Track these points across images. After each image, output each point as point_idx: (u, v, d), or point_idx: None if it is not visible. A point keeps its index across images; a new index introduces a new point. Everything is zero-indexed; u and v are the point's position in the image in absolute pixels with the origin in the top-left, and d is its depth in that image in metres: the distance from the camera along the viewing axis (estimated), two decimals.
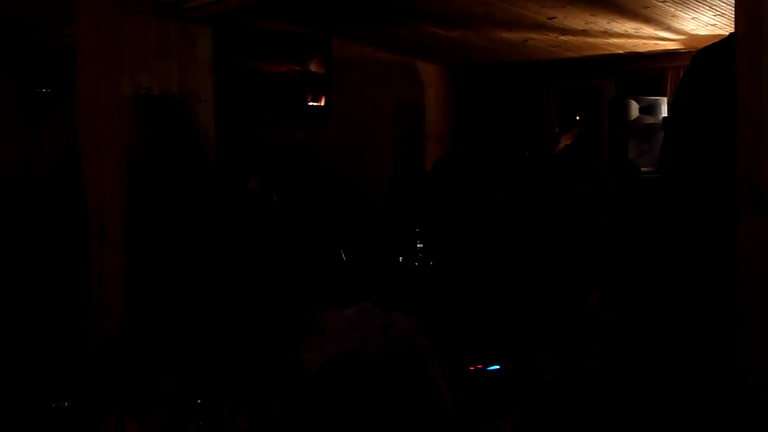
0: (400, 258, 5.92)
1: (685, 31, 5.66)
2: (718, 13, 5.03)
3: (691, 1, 4.86)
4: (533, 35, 6.01)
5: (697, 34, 5.66)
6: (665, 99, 6.35)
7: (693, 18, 5.25)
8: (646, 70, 6.84)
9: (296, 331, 3.47)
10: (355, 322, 3.29)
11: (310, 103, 5.88)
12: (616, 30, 5.72)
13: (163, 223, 4.14)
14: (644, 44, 6.20)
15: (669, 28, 5.59)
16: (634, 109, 6.15)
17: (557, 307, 3.05)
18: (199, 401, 2.73)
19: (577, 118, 7.78)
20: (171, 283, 4.13)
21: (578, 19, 5.43)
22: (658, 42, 6.06)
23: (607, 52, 6.56)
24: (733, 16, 2.54)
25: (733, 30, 2.55)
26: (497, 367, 4.69)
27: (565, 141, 6.44)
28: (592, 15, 5.31)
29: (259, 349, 2.47)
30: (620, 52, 6.52)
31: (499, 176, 6.19)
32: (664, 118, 6.07)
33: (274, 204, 4.95)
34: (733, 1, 2.54)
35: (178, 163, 4.21)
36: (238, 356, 2.44)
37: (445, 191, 5.97)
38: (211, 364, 2.51)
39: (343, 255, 5.25)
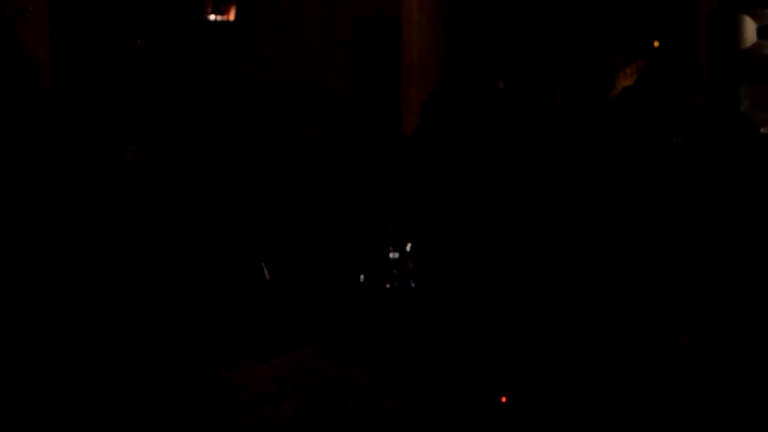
0: (362, 276, 5.96)
1: None
2: None
3: None
4: None
5: None
6: None
7: None
8: None
9: (188, 398, 3.49)
10: (286, 380, 3.28)
11: (212, 17, 5.84)
12: None
13: None
14: None
15: None
16: (750, 30, 6.21)
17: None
18: None
19: (656, 44, 7.78)
20: None
21: None
22: None
23: None
24: None
25: None
26: None
27: (623, 81, 6.52)
28: None
29: None
30: None
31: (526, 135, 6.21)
32: None
33: (175, 187, 4.98)
34: None
35: None
36: None
37: (441, 161, 5.97)
38: None
39: (266, 271, 5.34)
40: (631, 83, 6.57)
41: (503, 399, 5.04)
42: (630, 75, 6.60)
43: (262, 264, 5.36)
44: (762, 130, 6.03)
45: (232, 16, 5.86)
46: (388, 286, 5.91)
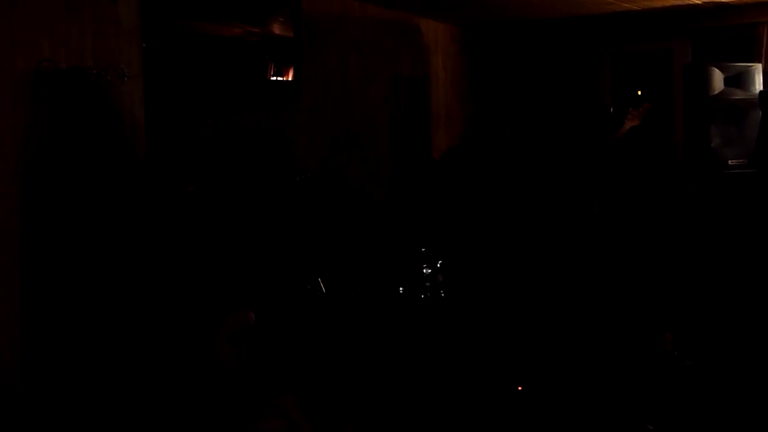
0: (401, 288, 5.98)
1: None
2: None
3: None
4: None
5: None
6: (760, 66, 6.40)
7: None
8: (733, 27, 6.87)
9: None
10: None
11: (274, 78, 5.81)
12: None
13: (72, 243, 4.08)
14: None
15: None
16: (718, 80, 6.17)
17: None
18: None
19: (639, 93, 7.76)
20: (78, 322, 4.07)
21: None
22: None
23: (680, 3, 6.52)
24: None
25: None
26: None
27: (631, 122, 6.47)
28: None
29: None
30: (698, 2, 6.48)
31: (538, 173, 6.24)
32: (760, 92, 6.16)
33: (225, 214, 4.98)
34: None
35: (94, 163, 4.17)
36: None
37: (462, 194, 5.93)
38: None
39: (322, 285, 5.31)
40: (638, 123, 6.50)
41: (519, 387, 5.05)
42: (636, 117, 6.47)
43: (319, 279, 5.32)
44: (730, 162, 6.02)
45: (290, 77, 5.87)
46: (422, 296, 5.94)
